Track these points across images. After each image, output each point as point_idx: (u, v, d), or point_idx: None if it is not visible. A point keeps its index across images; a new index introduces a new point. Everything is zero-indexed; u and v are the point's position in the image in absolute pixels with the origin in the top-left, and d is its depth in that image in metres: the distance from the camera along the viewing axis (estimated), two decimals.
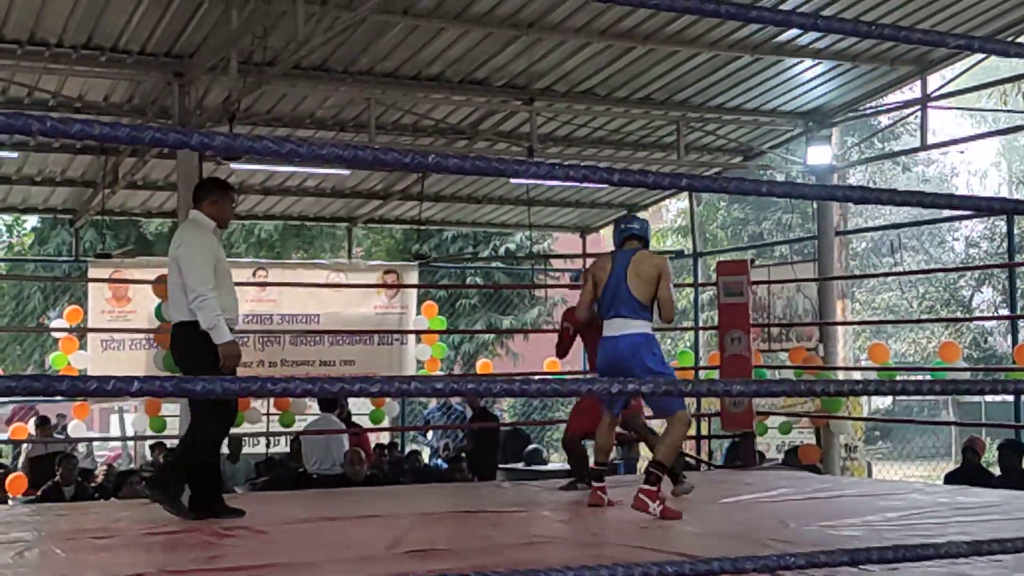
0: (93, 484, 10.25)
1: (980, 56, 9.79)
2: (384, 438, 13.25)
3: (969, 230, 25.10)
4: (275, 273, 12.92)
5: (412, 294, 13.27)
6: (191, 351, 5.46)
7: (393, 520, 5.54)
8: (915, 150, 16.69)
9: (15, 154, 11.22)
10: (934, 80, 11.33)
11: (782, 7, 9.15)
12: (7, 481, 9.96)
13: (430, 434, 14.35)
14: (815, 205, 12.90)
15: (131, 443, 16.50)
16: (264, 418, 11.19)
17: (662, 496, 5.49)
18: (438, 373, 12.94)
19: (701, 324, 14.26)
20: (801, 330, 12.14)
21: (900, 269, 23.81)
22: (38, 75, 9.37)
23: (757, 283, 11.22)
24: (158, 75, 9.49)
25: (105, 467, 12.42)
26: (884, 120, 18.61)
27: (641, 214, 13.68)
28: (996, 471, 9.26)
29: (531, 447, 13.48)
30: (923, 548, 2.50)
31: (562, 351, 7.41)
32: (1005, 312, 20.13)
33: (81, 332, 11.73)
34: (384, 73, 10.15)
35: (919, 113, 11.57)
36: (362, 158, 2.10)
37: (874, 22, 3.73)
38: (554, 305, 20.03)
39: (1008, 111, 16.90)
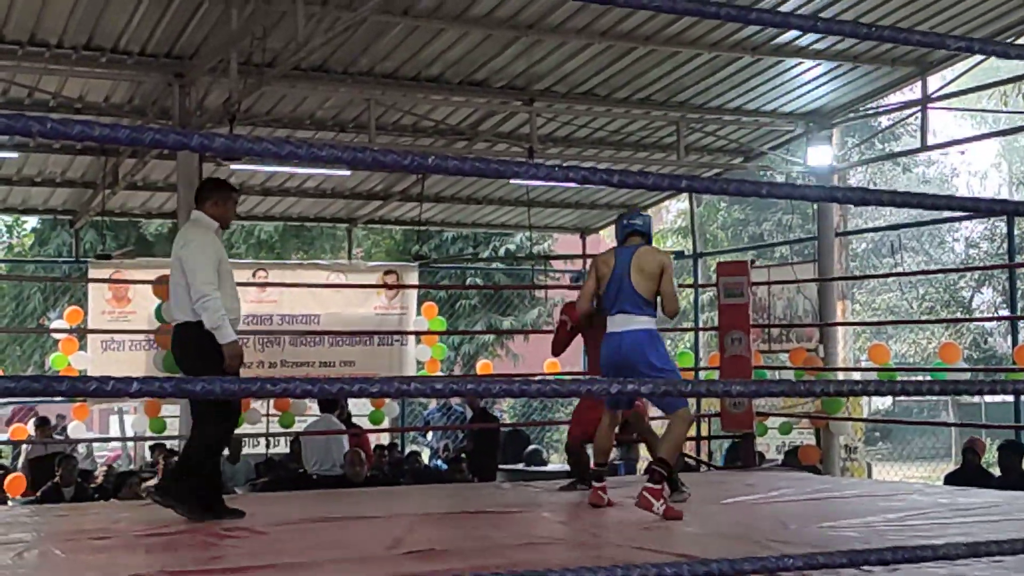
0: (93, 485, 10.24)
1: (980, 57, 9.79)
2: (384, 439, 13.24)
3: (969, 231, 25.10)
4: (275, 274, 12.93)
5: (412, 295, 13.27)
6: (194, 351, 5.45)
7: (393, 521, 5.54)
8: (915, 151, 16.70)
9: (15, 155, 11.23)
10: (934, 81, 11.33)
11: (782, 8, 9.15)
12: (7, 482, 9.95)
13: (430, 435, 14.35)
14: (815, 206, 12.91)
15: (131, 444, 16.51)
16: (264, 419, 11.19)
17: (666, 495, 5.48)
18: (438, 374, 12.94)
19: (701, 325, 14.26)
20: (801, 331, 12.14)
21: (900, 270, 23.80)
22: (38, 76, 9.38)
23: (757, 284, 11.22)
24: (158, 76, 9.50)
25: (105, 468, 12.39)
26: (884, 121, 18.62)
27: None
28: (996, 472, 9.25)
29: (531, 448, 13.47)
30: (921, 549, 2.50)
31: (559, 347, 7.30)
32: (1005, 313, 20.14)
33: (81, 333, 11.73)
34: (384, 74, 10.16)
35: (919, 114, 11.58)
36: (361, 160, 2.10)
37: (874, 23, 3.73)
38: (554, 306, 20.02)
39: (1008, 112, 16.89)
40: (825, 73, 11.05)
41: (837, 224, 13.47)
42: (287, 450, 11.83)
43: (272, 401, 10.87)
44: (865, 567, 3.61)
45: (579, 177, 2.23)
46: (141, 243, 19.12)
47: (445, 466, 11.56)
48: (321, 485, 9.02)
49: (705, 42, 10.02)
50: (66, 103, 9.90)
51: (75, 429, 11.98)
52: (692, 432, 10.72)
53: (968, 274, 23.76)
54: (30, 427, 12.24)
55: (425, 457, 13.19)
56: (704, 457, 11.23)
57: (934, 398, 20.87)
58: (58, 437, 12.45)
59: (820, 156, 12.06)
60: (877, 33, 2.64)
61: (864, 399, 14.82)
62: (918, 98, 11.41)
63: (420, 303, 13.42)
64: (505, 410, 21.14)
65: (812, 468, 10.10)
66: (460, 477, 10.50)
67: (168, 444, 10.80)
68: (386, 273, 13.30)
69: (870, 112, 12.90)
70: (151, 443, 11.98)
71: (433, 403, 13.45)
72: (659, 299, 5.77)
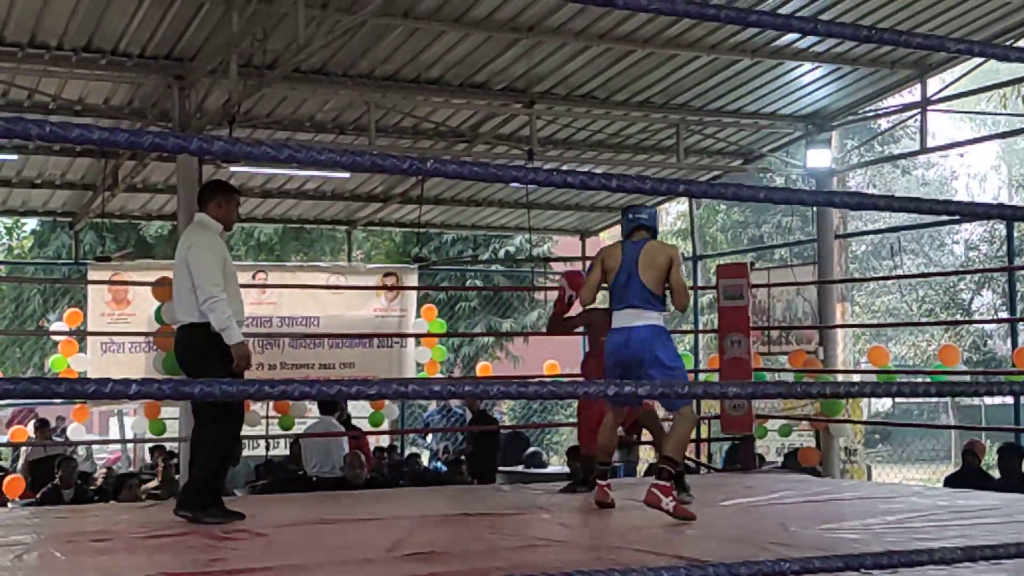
0: (92, 487, 10.24)
1: (979, 59, 9.80)
2: (384, 441, 13.24)
3: (969, 233, 25.10)
4: (275, 276, 12.93)
5: (412, 297, 13.28)
6: (199, 353, 5.46)
7: (393, 523, 5.55)
8: (915, 153, 16.72)
9: (15, 157, 11.23)
10: (934, 83, 11.33)
11: (781, 11, 9.16)
12: (6, 484, 9.95)
13: (430, 437, 14.36)
14: (815, 208, 12.91)
15: (130, 446, 16.52)
16: (264, 421, 11.19)
17: (675, 492, 5.46)
18: (438, 376, 12.94)
19: (701, 327, 14.27)
20: (801, 333, 12.14)
21: (900, 272, 23.82)
22: (38, 78, 9.38)
23: (757, 286, 11.23)
24: (158, 78, 9.50)
25: (104, 470, 12.40)
26: (884, 123, 18.62)
27: None
28: (996, 474, 9.26)
29: (531, 450, 13.48)
30: (917, 553, 2.50)
31: (557, 324, 7.12)
32: (1005, 315, 20.12)
33: (81, 335, 11.74)
34: (384, 76, 10.16)
35: (919, 116, 11.58)
36: (360, 163, 2.10)
37: (873, 26, 3.73)
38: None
39: (1008, 114, 16.89)
40: (824, 75, 11.05)
41: (837, 226, 13.48)
42: (287, 452, 11.82)
43: (272, 403, 10.87)
44: (863, 570, 3.61)
45: (577, 181, 2.23)
46: (141, 245, 19.11)
47: (445, 468, 11.56)
48: (321, 487, 9.03)
49: (704, 44, 10.02)
50: (66, 105, 9.90)
51: (75, 431, 11.98)
52: (692, 435, 10.72)
53: (968, 276, 23.77)
54: (30, 429, 12.22)
55: (425, 459, 13.20)
56: (704, 459, 11.23)
57: (933, 400, 20.88)
58: (58, 439, 12.44)
59: (819, 158, 12.06)
60: (877, 36, 2.65)
61: (864, 401, 14.82)
62: (917, 100, 11.41)
63: (420, 305, 13.42)
64: (505, 412, 21.13)
65: (812, 470, 10.10)
66: (460, 479, 10.50)
67: (168, 446, 10.80)
68: (386, 275, 13.30)
69: (870, 115, 12.90)
70: (151, 445, 11.98)
71: (433, 405, 13.45)
72: (668, 292, 5.74)
